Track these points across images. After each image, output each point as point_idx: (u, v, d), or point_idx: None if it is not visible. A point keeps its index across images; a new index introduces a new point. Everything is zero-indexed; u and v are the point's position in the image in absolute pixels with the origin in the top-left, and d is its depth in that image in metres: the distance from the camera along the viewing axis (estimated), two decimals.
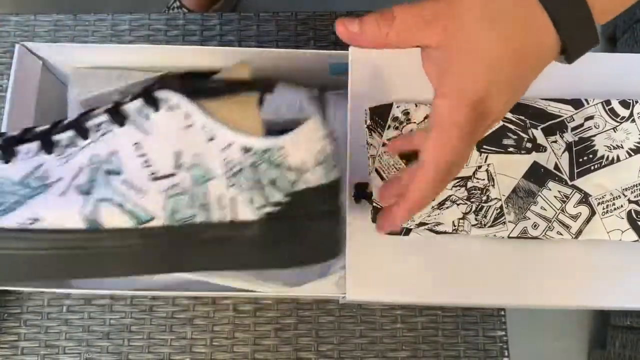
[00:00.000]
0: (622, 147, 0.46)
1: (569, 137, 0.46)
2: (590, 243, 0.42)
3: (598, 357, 1.17)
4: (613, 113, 0.47)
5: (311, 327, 0.58)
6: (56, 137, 0.34)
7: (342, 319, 0.58)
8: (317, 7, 0.70)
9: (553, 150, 0.44)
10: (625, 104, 0.47)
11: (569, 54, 0.29)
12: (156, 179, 0.32)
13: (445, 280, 0.44)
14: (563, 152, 0.46)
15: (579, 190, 0.45)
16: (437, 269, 0.44)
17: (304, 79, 0.52)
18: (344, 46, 0.48)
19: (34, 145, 0.34)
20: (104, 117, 0.34)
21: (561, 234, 0.44)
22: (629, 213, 0.43)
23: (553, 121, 0.46)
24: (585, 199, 0.45)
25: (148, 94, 0.33)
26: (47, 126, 0.36)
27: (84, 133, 0.33)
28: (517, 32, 0.28)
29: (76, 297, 0.59)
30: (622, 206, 0.44)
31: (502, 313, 0.58)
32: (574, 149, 0.46)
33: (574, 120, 0.46)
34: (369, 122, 0.46)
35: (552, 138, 0.44)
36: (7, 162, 0.33)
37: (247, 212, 0.33)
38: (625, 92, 0.48)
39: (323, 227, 0.36)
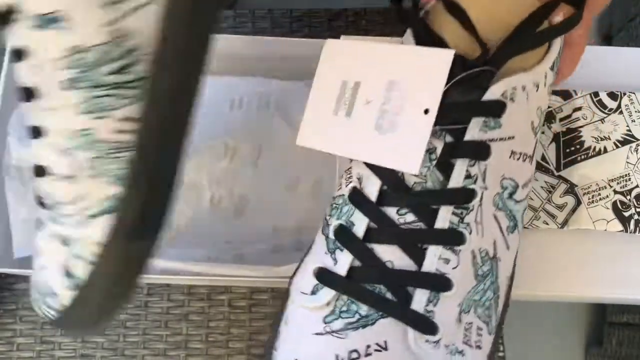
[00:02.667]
0: (609, 139, 0.46)
1: (556, 127, 0.46)
2: (577, 233, 0.43)
3: (595, 354, 1.17)
4: (601, 105, 0.47)
5: None
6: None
7: None
8: (314, 4, 0.70)
9: (540, 141, 0.44)
10: (613, 95, 0.47)
11: None
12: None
13: None
14: (550, 143, 0.46)
15: (565, 180, 0.45)
16: None
17: (296, 67, 0.53)
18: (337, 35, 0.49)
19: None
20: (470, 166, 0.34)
21: (547, 224, 0.44)
22: (615, 203, 0.44)
23: None
24: (571, 189, 0.45)
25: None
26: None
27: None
28: None
29: None
30: (607, 196, 0.44)
31: None
32: (561, 139, 0.46)
33: (562, 111, 0.47)
34: None
35: (540, 128, 0.44)
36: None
37: None
38: (613, 85, 0.48)
39: None
